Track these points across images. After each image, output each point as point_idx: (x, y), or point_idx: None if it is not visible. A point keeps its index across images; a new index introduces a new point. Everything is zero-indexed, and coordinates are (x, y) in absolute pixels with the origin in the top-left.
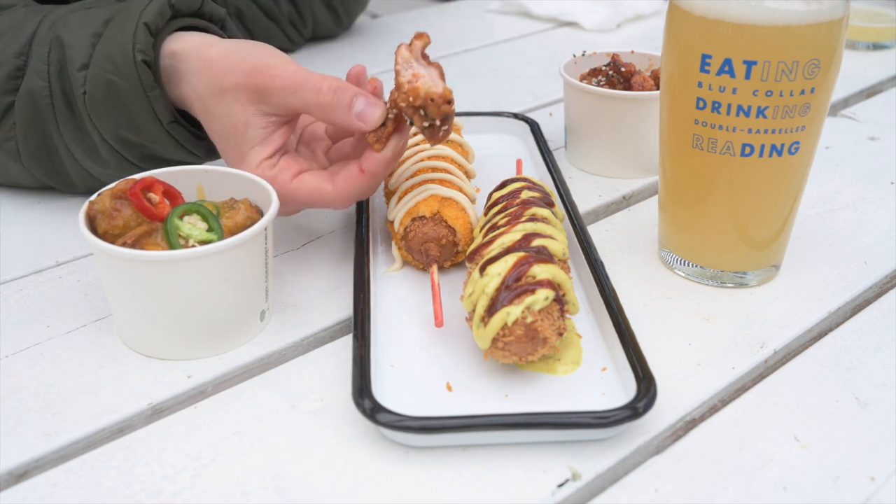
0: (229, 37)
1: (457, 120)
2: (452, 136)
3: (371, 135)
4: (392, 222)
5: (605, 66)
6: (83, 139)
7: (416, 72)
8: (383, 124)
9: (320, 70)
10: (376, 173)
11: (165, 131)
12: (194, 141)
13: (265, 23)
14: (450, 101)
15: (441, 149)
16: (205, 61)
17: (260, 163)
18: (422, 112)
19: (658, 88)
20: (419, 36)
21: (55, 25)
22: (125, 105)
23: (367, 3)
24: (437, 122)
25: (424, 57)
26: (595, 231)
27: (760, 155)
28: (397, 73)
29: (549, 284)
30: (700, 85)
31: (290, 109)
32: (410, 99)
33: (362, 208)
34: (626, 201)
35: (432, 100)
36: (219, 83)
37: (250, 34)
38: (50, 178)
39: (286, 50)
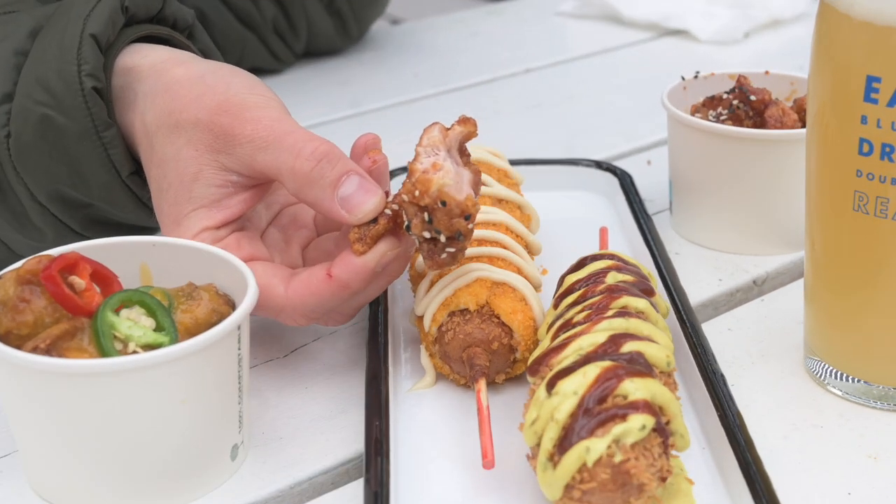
0: (200, 51)
1: (516, 172)
2: (508, 194)
3: (355, 230)
4: (421, 318)
5: (727, 92)
6: (4, 200)
7: (437, 162)
8: (374, 220)
9: (316, 102)
10: (347, 284)
11: (124, 185)
12: None
13: (238, 31)
14: (468, 217)
15: (493, 212)
16: (166, 83)
17: (200, 232)
18: (426, 216)
19: (803, 125)
20: (464, 121)
21: None
22: (67, 150)
23: (387, 4)
24: (442, 239)
25: (462, 152)
26: (713, 331)
27: None
28: (416, 155)
29: (647, 408)
30: (864, 120)
31: (257, 170)
32: (416, 193)
33: (378, 297)
34: (757, 288)
35: (443, 203)
36: (174, 116)
37: (216, 46)
38: None
39: (270, 71)
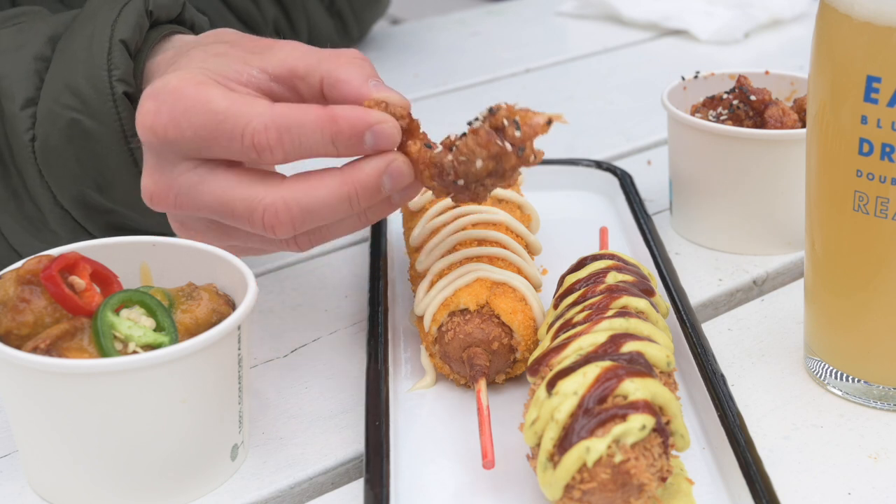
0: None
1: None
2: (508, 194)
3: (374, 99)
4: (421, 318)
5: (727, 92)
6: (20, 206)
7: None
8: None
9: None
10: (336, 118)
11: None
12: None
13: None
14: (549, 121)
15: (493, 212)
16: (213, 31)
17: (189, 67)
18: (516, 123)
19: (803, 125)
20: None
21: None
22: (94, 153)
23: (388, 5)
24: (509, 148)
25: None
26: (713, 331)
27: None
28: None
29: (647, 408)
30: (864, 120)
31: (287, 66)
32: (505, 104)
33: (377, 297)
34: (757, 288)
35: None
36: (217, 36)
37: None
38: None
39: None
